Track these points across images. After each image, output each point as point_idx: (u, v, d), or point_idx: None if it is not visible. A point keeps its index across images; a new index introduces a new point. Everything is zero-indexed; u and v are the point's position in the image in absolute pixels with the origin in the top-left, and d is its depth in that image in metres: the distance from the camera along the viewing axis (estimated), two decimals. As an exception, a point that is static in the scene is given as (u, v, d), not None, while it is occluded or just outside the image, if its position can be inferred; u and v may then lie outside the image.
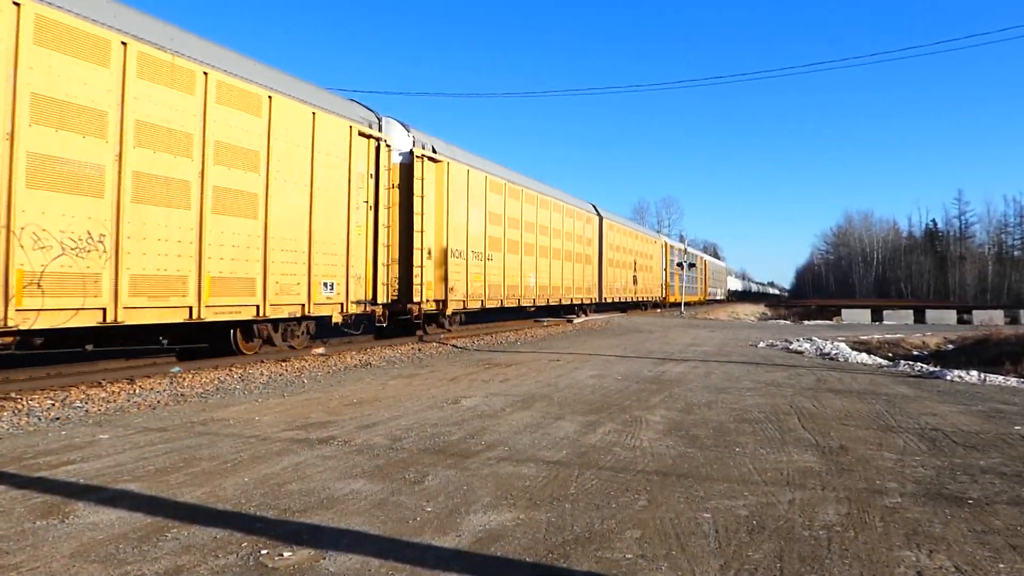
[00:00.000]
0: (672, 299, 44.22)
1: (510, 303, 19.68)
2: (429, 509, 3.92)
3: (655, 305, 41.30)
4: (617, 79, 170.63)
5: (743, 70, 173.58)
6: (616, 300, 32.38)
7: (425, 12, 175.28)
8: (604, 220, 30.15)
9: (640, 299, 37.08)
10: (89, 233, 7.80)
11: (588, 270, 27.61)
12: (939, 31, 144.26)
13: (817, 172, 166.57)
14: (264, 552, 3.26)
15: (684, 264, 45.82)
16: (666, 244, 44.39)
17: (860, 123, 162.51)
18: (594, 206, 29.64)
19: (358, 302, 12.80)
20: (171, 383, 8.53)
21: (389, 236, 13.95)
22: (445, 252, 15.78)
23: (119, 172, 8.15)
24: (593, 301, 28.79)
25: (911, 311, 39.14)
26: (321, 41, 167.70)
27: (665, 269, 42.84)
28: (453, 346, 14.75)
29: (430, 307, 15.47)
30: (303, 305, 11.26)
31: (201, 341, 10.92)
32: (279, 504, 3.98)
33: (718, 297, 71.38)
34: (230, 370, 9.78)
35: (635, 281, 35.75)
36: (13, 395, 7.34)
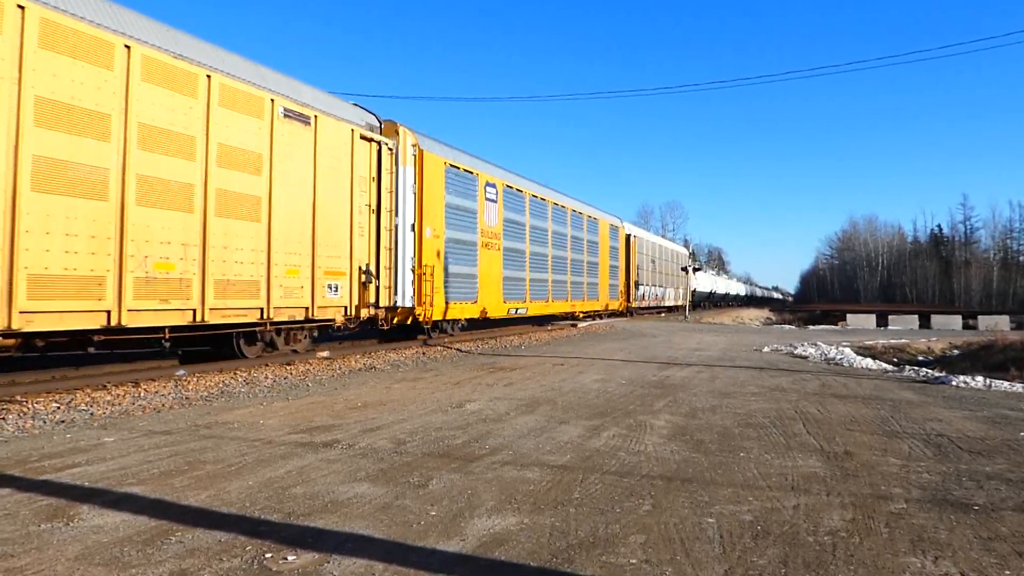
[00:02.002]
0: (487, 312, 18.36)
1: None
2: (433, 513, 3.92)
3: (403, 332, 15.95)
4: (621, 83, 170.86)
5: (747, 74, 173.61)
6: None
7: (428, 15, 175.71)
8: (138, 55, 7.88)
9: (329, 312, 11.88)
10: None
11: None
12: (945, 35, 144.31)
13: (822, 177, 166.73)
14: (268, 556, 3.26)
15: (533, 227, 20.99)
16: (488, 179, 18.62)
17: (865, 128, 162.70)
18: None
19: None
20: (176, 386, 8.55)
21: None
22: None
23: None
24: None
25: (916, 316, 38.83)
26: (323, 42, 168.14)
27: (486, 235, 18.18)
28: (457, 350, 14.75)
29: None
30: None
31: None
32: (283, 507, 3.98)
33: (667, 303, 42.00)
34: (235, 373, 9.80)
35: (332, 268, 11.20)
36: (18, 398, 7.36)
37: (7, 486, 4.33)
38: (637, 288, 35.46)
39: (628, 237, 34.63)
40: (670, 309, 44.84)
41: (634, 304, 34.83)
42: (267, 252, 10.68)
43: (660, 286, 39.54)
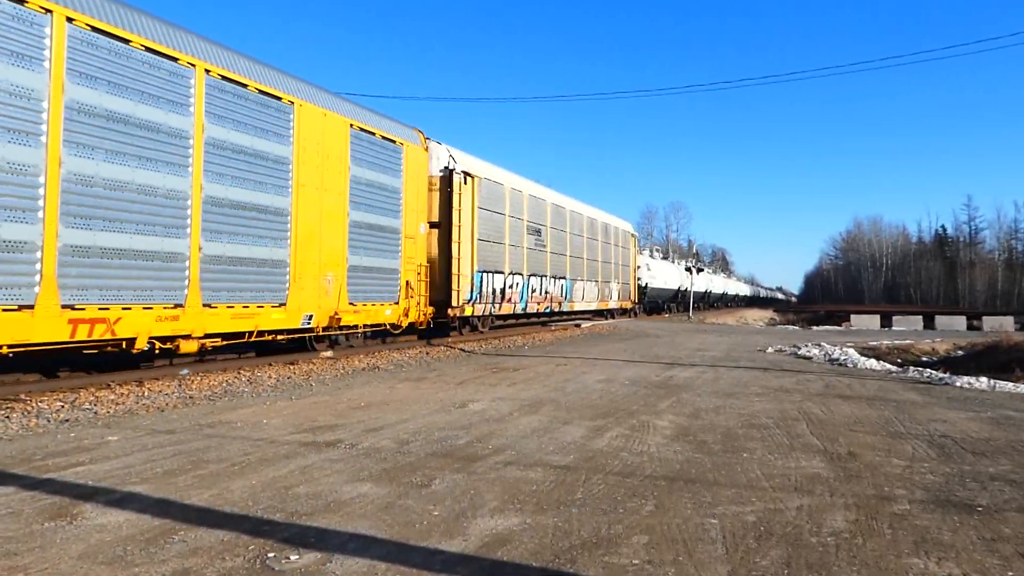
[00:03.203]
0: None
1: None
2: (436, 513, 3.92)
3: None
4: (624, 83, 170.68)
5: (751, 74, 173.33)
6: None
7: (428, 15, 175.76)
8: None
9: None
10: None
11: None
12: (949, 36, 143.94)
13: (826, 177, 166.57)
14: (271, 555, 3.27)
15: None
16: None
17: (869, 129, 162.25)
18: None
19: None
20: (180, 385, 8.57)
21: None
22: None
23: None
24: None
25: (920, 317, 38.66)
26: (323, 43, 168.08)
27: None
28: (461, 350, 14.76)
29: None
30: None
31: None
32: (286, 507, 3.99)
33: (577, 307, 25.22)
34: (238, 372, 9.81)
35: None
36: (23, 396, 7.39)
37: (11, 484, 4.35)
38: (482, 280, 17.51)
39: (450, 174, 16.01)
40: (601, 314, 28.28)
41: (469, 310, 16.97)
42: None
43: (558, 277, 23.07)
